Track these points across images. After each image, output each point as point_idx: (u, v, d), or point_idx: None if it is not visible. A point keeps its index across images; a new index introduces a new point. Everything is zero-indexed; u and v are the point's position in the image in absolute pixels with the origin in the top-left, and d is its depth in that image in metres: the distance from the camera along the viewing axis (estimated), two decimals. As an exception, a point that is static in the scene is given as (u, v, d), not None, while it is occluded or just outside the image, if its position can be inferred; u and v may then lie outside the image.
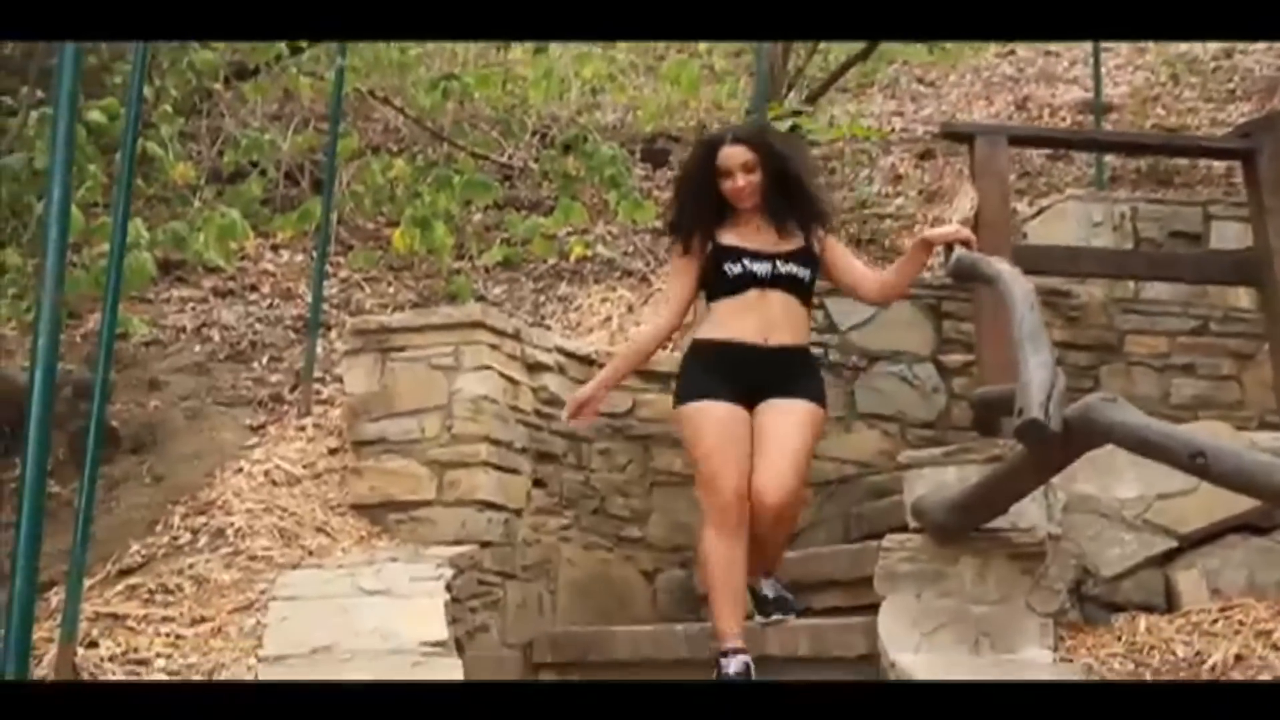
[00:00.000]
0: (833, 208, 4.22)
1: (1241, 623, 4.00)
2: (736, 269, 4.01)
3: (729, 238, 4.10)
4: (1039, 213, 7.42)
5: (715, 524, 3.96)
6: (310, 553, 4.57)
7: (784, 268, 4.03)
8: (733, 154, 4.04)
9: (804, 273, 4.07)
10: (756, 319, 4.00)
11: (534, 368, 5.27)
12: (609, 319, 6.48)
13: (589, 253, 7.29)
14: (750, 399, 4.02)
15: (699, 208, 4.13)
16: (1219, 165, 8.08)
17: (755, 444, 3.98)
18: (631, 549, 5.53)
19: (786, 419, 3.99)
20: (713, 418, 3.97)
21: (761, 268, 4.01)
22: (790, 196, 4.08)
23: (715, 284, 4.10)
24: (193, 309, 6.43)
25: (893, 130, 9.50)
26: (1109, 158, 8.26)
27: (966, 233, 3.97)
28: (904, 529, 4.37)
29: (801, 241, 4.09)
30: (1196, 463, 2.87)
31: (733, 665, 3.86)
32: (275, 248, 7.16)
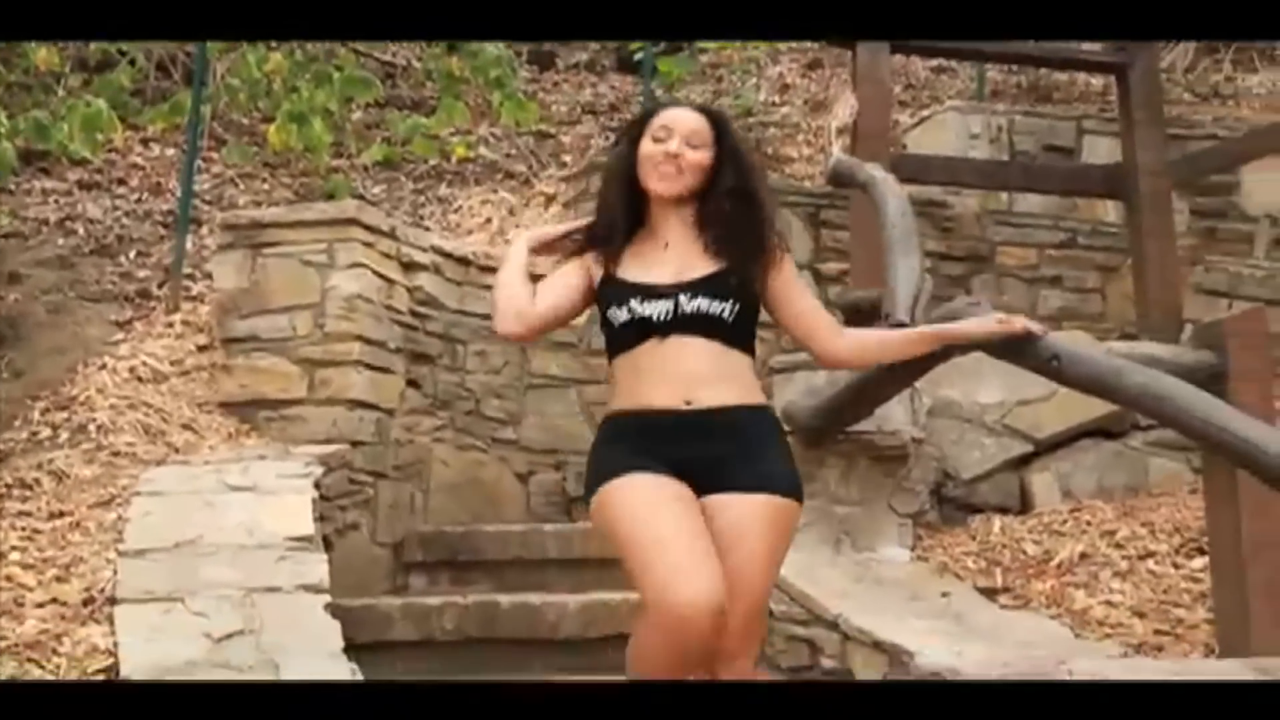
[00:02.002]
0: (781, 238, 2.89)
1: (1089, 523, 4.18)
2: (622, 315, 2.79)
3: (621, 265, 2.87)
4: (919, 123, 7.50)
5: (669, 646, 2.56)
6: (176, 450, 4.50)
7: (689, 304, 2.77)
8: (681, 117, 2.87)
9: (720, 307, 2.78)
10: (664, 377, 2.76)
11: (410, 267, 5.21)
12: (489, 221, 6.43)
13: (471, 154, 7.20)
14: (691, 486, 2.71)
15: (622, 205, 2.88)
16: (1096, 83, 8.22)
17: None
18: (505, 450, 5.54)
19: (745, 540, 2.66)
20: (648, 493, 2.65)
21: (655, 309, 2.77)
22: (744, 215, 2.84)
23: (607, 336, 2.88)
24: (56, 201, 6.22)
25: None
26: (991, 72, 8.36)
27: (1004, 329, 2.93)
28: (773, 431, 4.45)
29: (718, 266, 2.81)
30: (1052, 365, 2.96)
31: None
32: (145, 141, 6.95)
